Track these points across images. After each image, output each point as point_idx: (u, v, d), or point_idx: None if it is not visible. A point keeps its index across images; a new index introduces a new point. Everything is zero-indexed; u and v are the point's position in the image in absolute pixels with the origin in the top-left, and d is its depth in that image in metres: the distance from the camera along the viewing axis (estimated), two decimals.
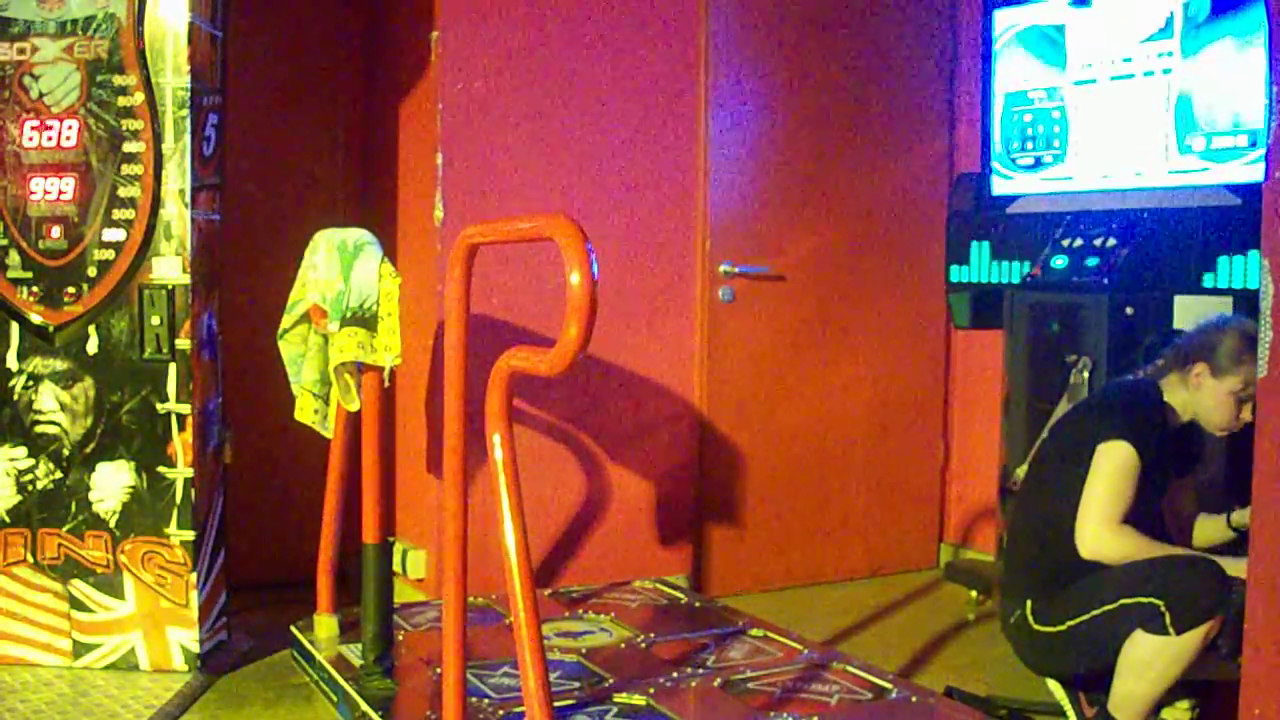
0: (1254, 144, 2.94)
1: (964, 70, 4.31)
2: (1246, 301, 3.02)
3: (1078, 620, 2.55)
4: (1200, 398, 2.66)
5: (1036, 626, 2.63)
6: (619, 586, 3.71)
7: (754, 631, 3.24)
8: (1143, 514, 2.60)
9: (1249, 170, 2.93)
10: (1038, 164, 3.52)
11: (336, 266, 2.91)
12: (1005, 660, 3.32)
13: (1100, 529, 2.54)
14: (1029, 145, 3.54)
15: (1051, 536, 2.63)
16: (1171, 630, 2.41)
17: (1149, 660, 2.47)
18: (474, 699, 2.64)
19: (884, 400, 4.35)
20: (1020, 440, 3.38)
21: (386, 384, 2.93)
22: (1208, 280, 3.09)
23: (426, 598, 3.62)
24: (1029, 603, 2.65)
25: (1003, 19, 3.59)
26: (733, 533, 4.08)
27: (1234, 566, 2.40)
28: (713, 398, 4.01)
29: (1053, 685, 2.78)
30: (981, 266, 3.52)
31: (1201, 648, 2.43)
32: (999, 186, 3.64)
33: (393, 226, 3.90)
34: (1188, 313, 3.09)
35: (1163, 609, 2.42)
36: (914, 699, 2.77)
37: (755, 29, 4.02)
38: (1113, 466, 2.56)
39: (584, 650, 3.05)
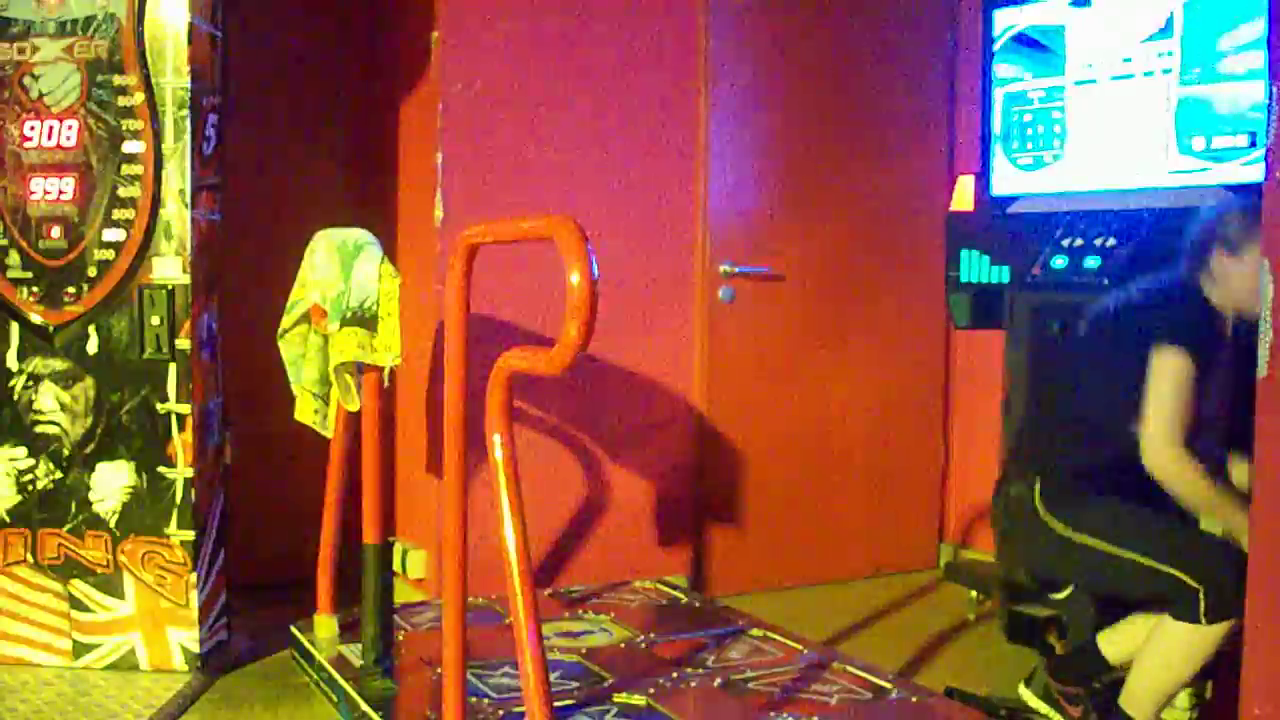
0: (1254, 144, 2.94)
1: (964, 70, 4.31)
2: None
3: (1102, 545, 2.49)
4: (1232, 286, 2.54)
5: (1045, 513, 2.56)
6: (619, 586, 3.71)
7: (754, 631, 3.24)
8: (1206, 428, 2.50)
9: (1249, 170, 2.93)
10: (1037, 164, 3.52)
11: (336, 266, 2.91)
12: (1005, 660, 3.33)
13: (1165, 448, 2.44)
14: (1029, 145, 3.54)
15: (1086, 429, 2.56)
16: (1204, 619, 2.38)
17: (1177, 650, 2.44)
18: (474, 699, 2.64)
19: (884, 400, 4.35)
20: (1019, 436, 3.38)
21: (386, 384, 2.93)
22: None
23: (426, 598, 3.62)
24: (1039, 482, 2.58)
25: (1003, 19, 3.59)
26: (733, 533, 4.08)
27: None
28: (712, 398, 4.01)
29: (1029, 697, 2.79)
30: (981, 266, 3.52)
31: (1224, 642, 2.40)
32: (999, 186, 3.64)
33: (393, 226, 3.90)
34: None
35: (1201, 595, 2.38)
36: (914, 699, 2.77)
37: (756, 29, 4.02)
38: (1172, 380, 2.45)
39: (584, 650, 3.05)
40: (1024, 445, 2.79)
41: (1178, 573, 2.43)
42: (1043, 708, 2.76)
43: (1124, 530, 2.51)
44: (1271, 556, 1.67)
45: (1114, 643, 2.73)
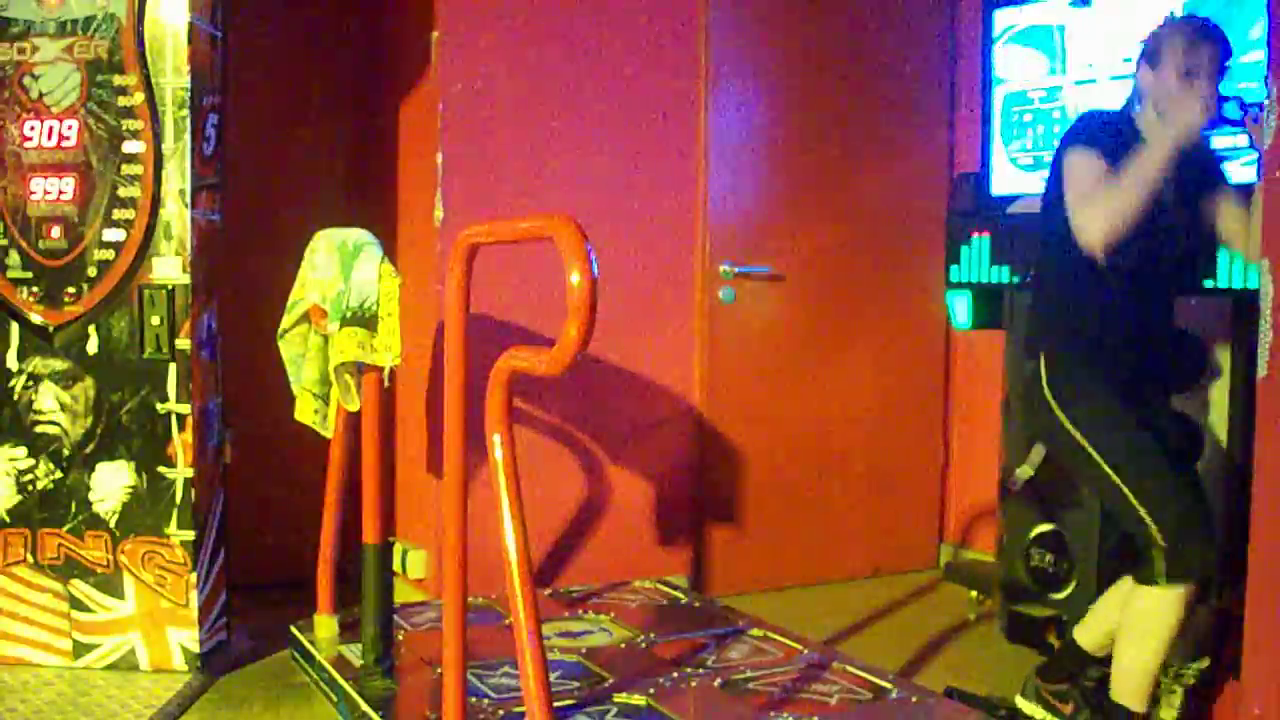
0: (1253, 144, 2.94)
1: (964, 70, 4.31)
2: (1247, 301, 3.02)
3: (1093, 453, 2.54)
4: (1154, 98, 2.56)
5: (1048, 392, 2.61)
6: (619, 586, 3.71)
7: (754, 631, 3.24)
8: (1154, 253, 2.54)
9: (1248, 170, 2.93)
10: (1038, 164, 3.52)
11: (336, 266, 2.91)
12: (1005, 660, 3.33)
13: (1099, 234, 2.41)
14: (1029, 145, 3.54)
15: (1071, 304, 2.62)
16: (1162, 579, 2.44)
17: (1146, 622, 2.50)
18: (474, 699, 2.64)
19: (884, 400, 4.35)
20: (1020, 440, 3.38)
21: (386, 384, 2.93)
22: (1207, 280, 3.09)
23: (426, 598, 3.62)
24: (1043, 357, 2.64)
25: (1002, 19, 3.59)
26: (733, 533, 4.08)
27: None
28: (713, 398, 4.01)
29: (1025, 705, 2.80)
30: (981, 266, 3.52)
31: (1188, 609, 2.47)
32: (999, 186, 3.64)
33: (393, 226, 3.90)
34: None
35: (1160, 554, 2.45)
36: (914, 699, 2.77)
37: (756, 29, 4.02)
38: (1079, 171, 2.48)
39: (584, 650, 3.05)
40: (1036, 321, 2.78)
41: (1149, 520, 2.47)
42: (1039, 712, 2.78)
43: (1115, 448, 2.54)
44: (1271, 556, 1.67)
45: (1088, 630, 2.77)
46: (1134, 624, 2.54)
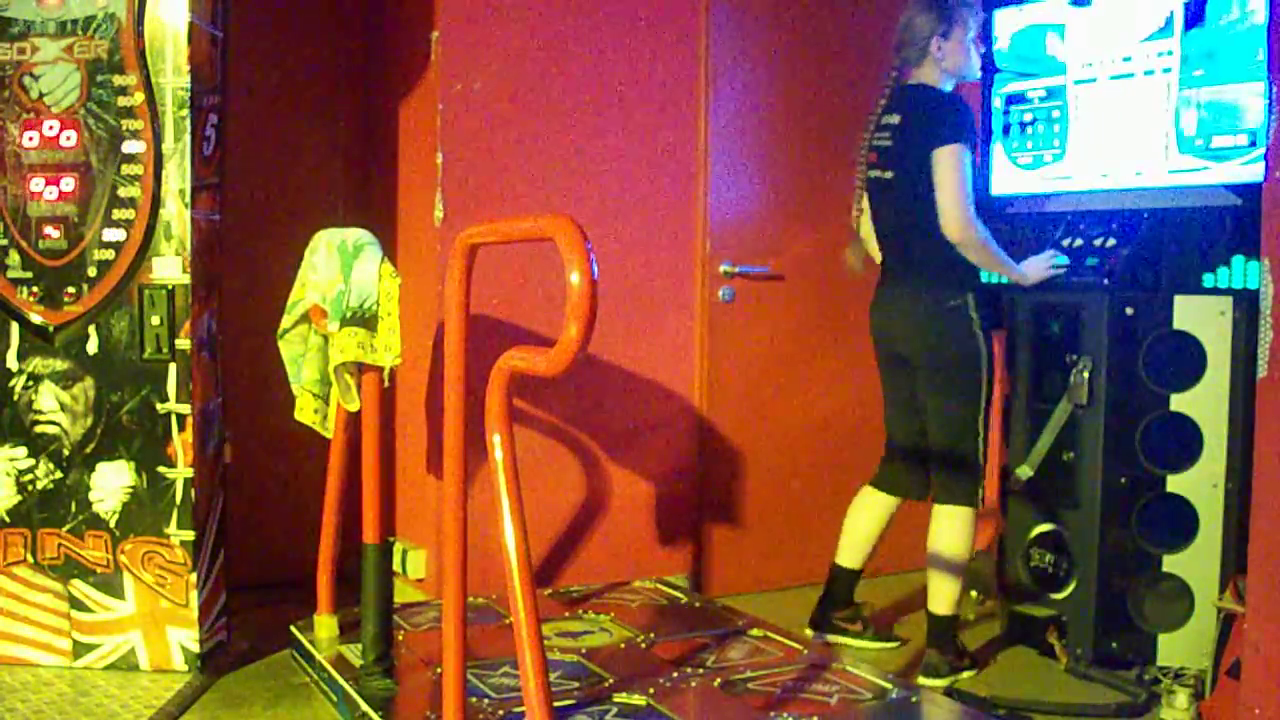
0: (1254, 143, 2.94)
1: None
2: (1247, 301, 3.02)
3: (980, 377, 3.14)
4: (949, 61, 3.14)
5: (977, 326, 3.15)
6: (619, 586, 3.71)
7: (754, 631, 3.24)
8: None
9: (1249, 169, 2.93)
10: (1037, 163, 3.52)
11: (336, 266, 2.91)
12: (1005, 660, 3.33)
13: (967, 227, 3.04)
14: (1029, 145, 3.54)
15: (924, 227, 3.11)
16: (969, 502, 3.16)
17: (955, 536, 3.15)
18: (474, 699, 2.64)
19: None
20: (1020, 440, 3.39)
21: (386, 384, 2.93)
22: (1207, 280, 3.09)
23: (426, 598, 3.62)
24: (971, 296, 3.15)
25: (1003, 19, 3.59)
26: (733, 533, 4.08)
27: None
28: (713, 398, 4.01)
29: (833, 639, 3.36)
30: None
31: (972, 533, 3.17)
32: (999, 186, 3.64)
33: (393, 226, 3.90)
34: (1187, 312, 3.09)
35: (971, 483, 3.17)
36: (914, 699, 2.77)
37: (755, 28, 4.02)
38: (957, 169, 3.02)
39: (584, 650, 3.06)
40: (955, 267, 3.18)
41: (978, 448, 3.16)
42: (840, 639, 3.40)
43: (987, 381, 3.15)
44: (1271, 556, 1.67)
45: (847, 552, 3.43)
46: (944, 542, 3.14)
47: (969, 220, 3.04)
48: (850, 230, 3.50)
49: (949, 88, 3.17)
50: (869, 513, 3.42)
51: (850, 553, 3.43)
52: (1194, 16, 3.07)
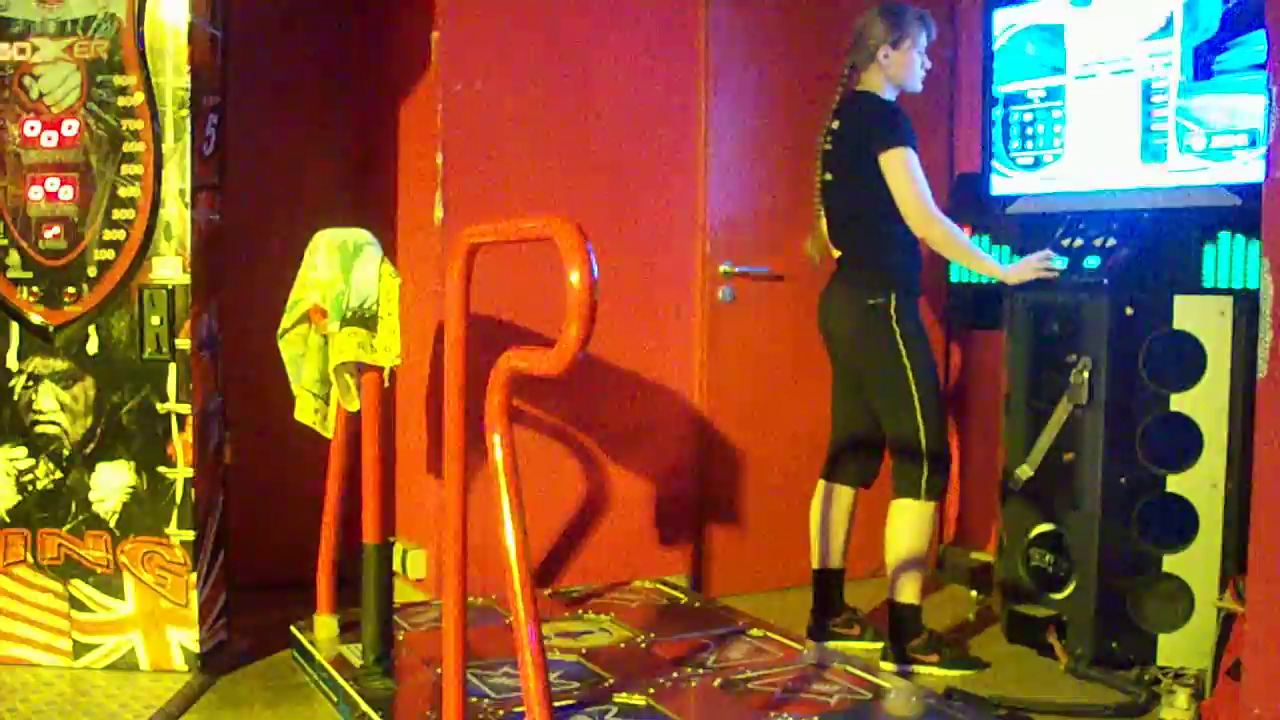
0: (1253, 143, 2.94)
1: (964, 70, 4.31)
2: (1247, 301, 3.02)
3: (908, 374, 3.20)
4: (894, 70, 3.26)
5: (895, 323, 3.23)
6: (619, 586, 3.71)
7: (754, 631, 3.24)
8: None
9: (1249, 170, 2.93)
10: (1037, 163, 3.52)
11: (336, 266, 2.91)
12: (1005, 660, 3.33)
13: (931, 223, 3.16)
14: (1029, 145, 3.54)
15: (855, 229, 3.30)
16: (924, 496, 3.20)
17: (912, 527, 3.21)
18: (474, 699, 2.64)
19: None
20: (1020, 440, 3.39)
21: (386, 384, 2.93)
22: (1207, 280, 3.09)
23: (426, 598, 3.62)
24: (893, 297, 3.23)
25: (1003, 19, 3.59)
26: (733, 533, 4.08)
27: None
28: (713, 398, 4.01)
29: (834, 645, 3.30)
30: None
31: (926, 525, 3.23)
32: (999, 186, 3.64)
33: (393, 226, 3.90)
34: (1188, 312, 3.09)
35: (925, 475, 3.19)
36: (914, 699, 2.77)
37: (755, 28, 4.02)
38: (908, 170, 3.16)
39: (584, 650, 3.06)
40: (877, 269, 3.31)
41: (924, 440, 3.17)
42: (843, 644, 3.38)
43: (924, 375, 3.20)
44: (1271, 556, 1.67)
45: (829, 556, 3.50)
46: (902, 534, 3.21)
47: (930, 216, 3.14)
48: (813, 227, 3.55)
49: (891, 97, 3.28)
50: (826, 506, 3.50)
51: (823, 553, 3.49)
52: (1194, 17, 3.07)
